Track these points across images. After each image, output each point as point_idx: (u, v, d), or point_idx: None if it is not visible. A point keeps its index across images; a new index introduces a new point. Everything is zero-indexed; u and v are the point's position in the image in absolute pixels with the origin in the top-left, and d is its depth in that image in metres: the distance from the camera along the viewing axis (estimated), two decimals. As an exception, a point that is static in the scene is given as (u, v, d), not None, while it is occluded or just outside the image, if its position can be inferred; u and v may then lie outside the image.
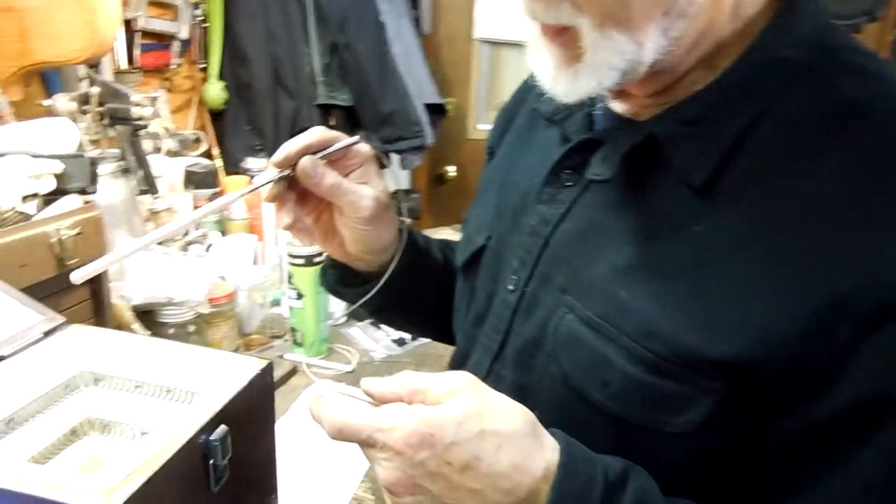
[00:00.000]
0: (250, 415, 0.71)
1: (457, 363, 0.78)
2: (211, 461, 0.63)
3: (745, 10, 0.54)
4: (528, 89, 0.78)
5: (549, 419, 0.53)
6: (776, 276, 0.49)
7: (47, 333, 0.78)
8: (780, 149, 0.52)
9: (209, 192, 1.73)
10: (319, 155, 0.67)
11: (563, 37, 0.54)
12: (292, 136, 2.07)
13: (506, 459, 0.49)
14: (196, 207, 1.70)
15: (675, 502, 0.53)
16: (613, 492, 0.50)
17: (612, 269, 0.57)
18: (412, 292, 0.81)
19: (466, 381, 0.52)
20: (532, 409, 0.53)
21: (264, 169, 1.84)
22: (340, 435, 0.51)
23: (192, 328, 1.33)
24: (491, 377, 0.67)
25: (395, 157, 2.59)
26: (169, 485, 0.58)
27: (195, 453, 0.61)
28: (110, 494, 0.52)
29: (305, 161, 0.66)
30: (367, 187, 0.70)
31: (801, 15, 0.55)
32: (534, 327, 0.62)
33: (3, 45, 1.30)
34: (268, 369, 0.72)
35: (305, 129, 2.13)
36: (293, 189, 0.69)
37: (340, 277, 0.82)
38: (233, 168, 2.02)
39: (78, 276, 0.49)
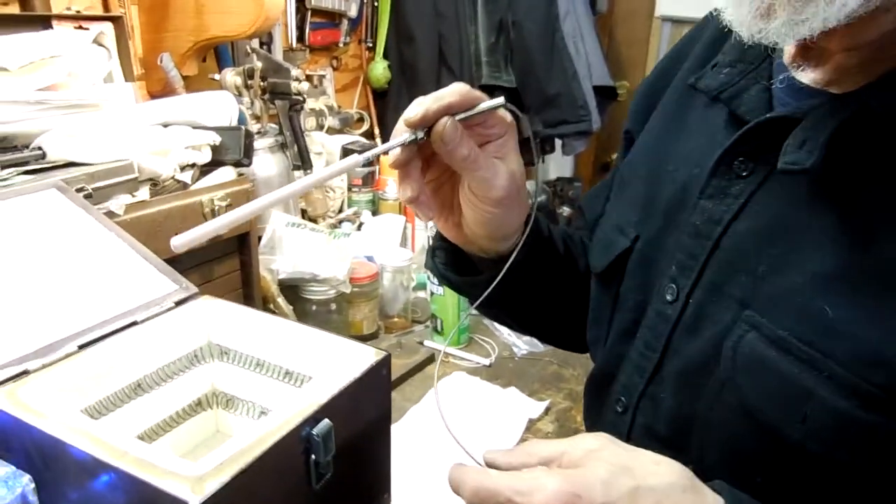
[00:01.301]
0: (361, 410, 0.66)
1: (599, 382, 0.68)
2: (312, 457, 0.59)
3: None
4: (678, 60, 0.67)
5: (723, 454, 0.49)
6: None
7: (179, 303, 0.78)
8: None
9: (365, 170, 1.73)
10: (459, 118, 0.54)
11: None
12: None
13: None
14: (351, 185, 1.71)
15: None
16: None
17: (810, 280, 0.47)
18: (528, 288, 0.70)
19: (604, 440, 0.48)
20: (698, 443, 0.48)
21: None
22: (476, 498, 0.47)
23: (333, 306, 1.33)
24: (646, 400, 0.59)
25: (557, 143, 2.49)
26: (264, 479, 0.54)
27: (295, 448, 0.57)
28: (200, 483, 0.50)
29: (446, 123, 0.52)
30: (503, 163, 0.58)
31: None
32: (702, 346, 0.54)
33: (183, 22, 1.37)
34: (383, 363, 0.66)
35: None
36: (420, 154, 0.56)
37: (450, 261, 0.71)
38: (392, 148, 2.02)
39: (179, 243, 0.45)
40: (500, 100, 0.56)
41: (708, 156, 0.56)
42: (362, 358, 0.66)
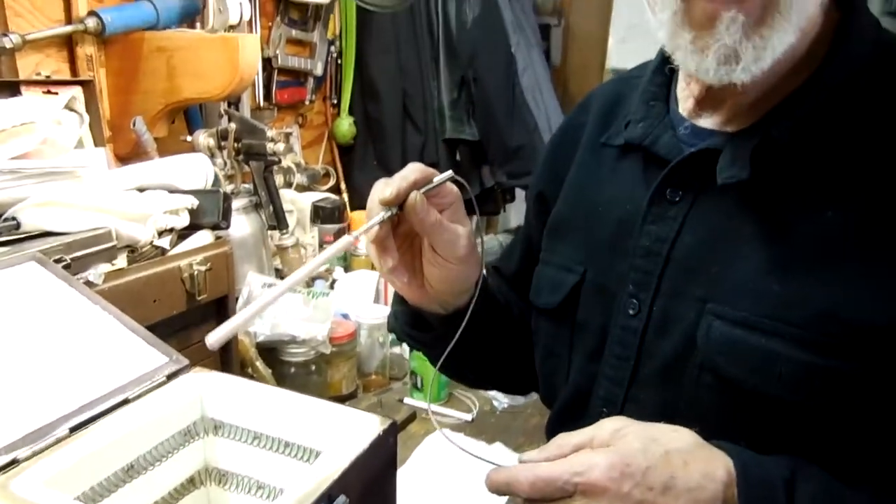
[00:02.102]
0: (371, 482, 0.64)
1: (575, 403, 0.74)
2: (329, 535, 0.57)
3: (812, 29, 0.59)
4: (577, 132, 0.78)
5: (708, 427, 0.55)
6: None
7: (170, 376, 0.76)
8: (887, 126, 0.56)
9: (335, 227, 1.73)
10: (422, 191, 0.64)
11: (748, 2, 0.53)
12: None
13: (695, 473, 0.52)
14: (322, 243, 1.71)
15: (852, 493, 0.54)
16: (795, 471, 0.53)
17: (755, 267, 0.58)
18: (483, 337, 0.79)
19: (623, 421, 0.56)
20: (684, 425, 0.55)
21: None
22: (534, 489, 0.53)
23: (313, 367, 1.31)
24: (629, 404, 0.66)
25: (518, 192, 2.54)
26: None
27: (311, 527, 0.55)
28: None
29: (416, 196, 0.63)
30: (460, 226, 0.68)
31: (860, 19, 0.60)
32: (674, 343, 0.62)
33: (154, 84, 1.36)
34: (390, 431, 0.65)
35: (431, 164, 2.10)
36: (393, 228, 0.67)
37: (410, 321, 0.79)
38: (359, 203, 2.03)
39: (213, 340, 0.48)
40: (450, 173, 0.66)
41: (637, 193, 0.67)
42: (367, 427, 0.65)
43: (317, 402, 0.71)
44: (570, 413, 0.75)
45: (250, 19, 1.68)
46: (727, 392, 0.59)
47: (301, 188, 1.87)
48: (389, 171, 2.14)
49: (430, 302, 0.74)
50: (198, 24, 1.47)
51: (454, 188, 0.68)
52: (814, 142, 0.58)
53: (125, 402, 0.71)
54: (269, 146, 1.30)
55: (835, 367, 0.54)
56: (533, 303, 0.79)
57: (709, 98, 0.64)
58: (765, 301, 0.57)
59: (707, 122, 0.66)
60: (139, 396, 0.72)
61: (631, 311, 0.66)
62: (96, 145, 1.25)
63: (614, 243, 0.69)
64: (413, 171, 0.64)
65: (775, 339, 0.56)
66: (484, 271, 0.76)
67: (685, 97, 0.68)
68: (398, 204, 0.63)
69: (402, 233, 0.68)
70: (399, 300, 0.79)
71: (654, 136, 0.68)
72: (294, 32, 1.84)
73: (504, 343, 0.83)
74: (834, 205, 0.57)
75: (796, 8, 0.53)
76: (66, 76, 1.31)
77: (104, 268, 0.95)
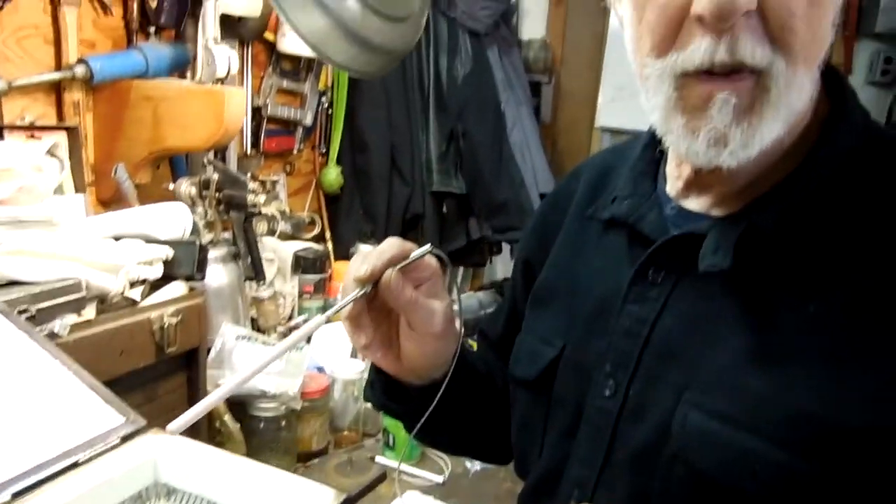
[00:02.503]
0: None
1: (547, 480, 0.71)
2: None
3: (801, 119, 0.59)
4: (566, 200, 0.78)
5: None
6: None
7: (125, 438, 0.74)
8: (874, 223, 0.56)
9: (316, 277, 1.72)
10: (398, 267, 0.63)
11: (741, 83, 0.53)
12: (404, 222, 2.03)
13: None
14: (302, 293, 1.70)
15: None
16: None
17: (734, 360, 0.56)
18: (460, 408, 0.77)
19: None
20: None
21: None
22: None
23: (283, 422, 1.29)
24: (601, 489, 0.64)
25: (505, 248, 2.55)
26: None
27: None
28: None
29: (391, 274, 0.62)
30: (437, 301, 0.67)
31: (852, 111, 0.60)
32: (649, 430, 0.60)
33: (139, 132, 1.37)
34: (345, 507, 0.64)
35: (417, 215, 2.09)
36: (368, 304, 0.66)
37: (387, 391, 0.77)
38: (343, 252, 2.02)
39: (175, 428, 0.47)
40: (428, 247, 0.65)
41: (619, 270, 0.66)
42: (320, 500, 0.64)
43: (273, 472, 0.69)
44: (542, 489, 0.72)
45: (241, 69, 1.71)
46: (700, 485, 0.57)
47: (285, 236, 1.87)
48: (375, 221, 2.13)
49: (407, 374, 0.73)
50: (188, 74, 1.49)
51: (433, 261, 0.67)
52: (799, 233, 0.57)
53: (75, 465, 0.69)
54: (250, 197, 1.31)
55: (813, 469, 0.52)
56: (510, 372, 0.78)
57: (697, 181, 0.64)
58: (743, 395, 0.55)
59: (694, 204, 0.65)
60: (90, 460, 0.70)
61: (607, 392, 0.64)
62: (77, 191, 1.25)
63: (594, 320, 0.68)
64: (390, 247, 0.64)
65: (752, 436, 0.54)
66: (462, 341, 0.74)
67: (674, 178, 0.67)
68: (373, 281, 0.62)
69: (378, 307, 0.67)
70: (376, 370, 0.78)
71: (639, 213, 0.67)
72: (285, 83, 1.86)
73: (483, 413, 0.82)
74: (817, 298, 0.55)
75: (784, 101, 0.54)
76: (53, 120, 1.32)
77: (70, 319, 0.94)
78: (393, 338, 0.70)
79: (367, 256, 0.63)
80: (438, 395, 0.70)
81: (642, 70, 0.57)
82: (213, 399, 0.53)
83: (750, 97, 0.53)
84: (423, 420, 0.70)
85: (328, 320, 0.63)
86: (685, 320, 0.61)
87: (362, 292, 0.62)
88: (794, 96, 0.54)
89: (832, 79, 0.61)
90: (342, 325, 0.68)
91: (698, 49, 0.52)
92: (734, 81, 0.53)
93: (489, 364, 0.84)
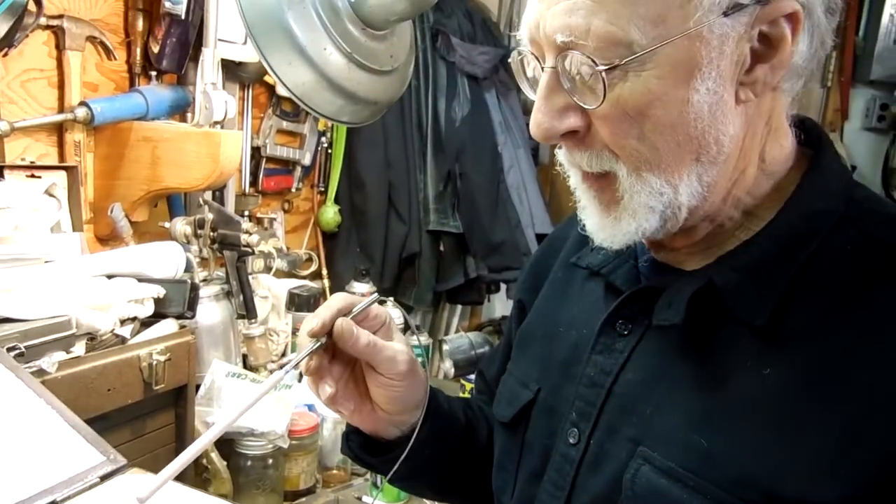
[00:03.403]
0: None
1: None
2: None
3: (773, 168, 0.60)
4: (560, 244, 0.80)
5: None
6: (854, 416, 0.51)
7: (104, 477, 0.75)
8: (834, 290, 0.55)
9: (311, 314, 1.73)
10: (350, 316, 0.66)
11: (603, 182, 0.59)
12: (400, 260, 2.04)
13: None
14: (295, 330, 1.71)
15: None
16: None
17: (687, 418, 0.57)
18: (438, 458, 0.79)
19: None
20: None
21: (367, 294, 1.83)
22: None
23: (270, 461, 1.29)
24: None
25: (502, 286, 2.55)
26: None
27: None
28: None
29: (342, 322, 0.65)
30: (396, 343, 0.70)
31: (826, 172, 0.61)
32: (604, 481, 0.61)
33: (137, 172, 1.40)
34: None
35: (414, 254, 2.10)
36: (327, 361, 0.68)
37: (364, 445, 0.79)
38: (340, 289, 2.04)
39: (145, 495, 0.50)
40: (375, 296, 0.70)
41: (592, 319, 0.67)
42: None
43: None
44: None
45: (242, 110, 1.75)
46: None
47: (281, 274, 1.89)
48: (372, 259, 2.15)
49: (385, 425, 0.75)
50: (189, 116, 1.53)
51: (383, 310, 0.70)
52: (758, 293, 0.57)
53: (53, 503, 0.70)
54: (244, 237, 1.33)
55: None
56: (493, 410, 0.79)
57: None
58: (692, 454, 0.55)
59: (667, 256, 0.66)
60: (68, 498, 0.71)
61: (571, 440, 0.65)
62: (75, 229, 1.28)
63: (567, 367, 0.69)
64: (336, 300, 0.67)
65: (698, 497, 0.54)
66: (434, 391, 0.77)
67: None
68: (326, 333, 0.65)
69: (341, 362, 0.70)
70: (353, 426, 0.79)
71: (613, 265, 0.69)
72: (285, 124, 1.90)
73: (463, 460, 0.82)
74: (773, 363, 0.55)
75: (638, 202, 0.57)
76: (54, 160, 1.35)
77: (59, 356, 0.96)
78: (362, 391, 0.72)
79: (316, 312, 0.67)
80: (412, 441, 0.72)
81: None
82: (184, 459, 0.57)
83: (608, 197, 0.59)
84: (396, 466, 0.72)
85: (286, 373, 0.65)
86: (645, 375, 0.61)
87: (318, 345, 0.65)
88: (648, 198, 0.56)
89: (816, 140, 0.62)
90: (307, 382, 0.70)
91: (568, 155, 0.60)
92: (597, 182, 0.59)
93: (474, 412, 0.85)
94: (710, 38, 0.52)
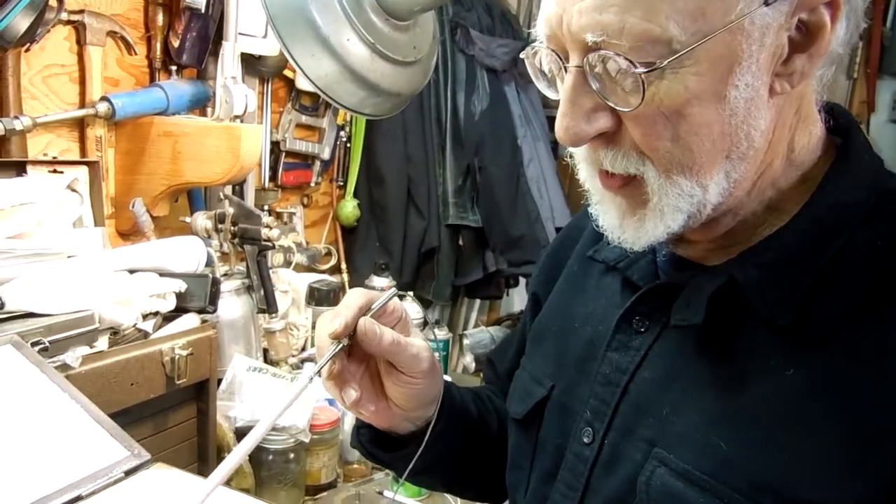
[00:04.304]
0: None
1: None
2: None
3: (801, 158, 0.58)
4: (577, 236, 0.78)
5: None
6: (879, 418, 0.49)
7: (129, 472, 0.75)
8: (860, 289, 0.53)
9: (330, 308, 1.73)
10: (370, 314, 0.64)
11: (629, 185, 0.56)
12: (419, 255, 2.02)
13: None
14: (315, 324, 1.71)
15: None
16: None
17: (704, 419, 0.55)
18: (452, 452, 0.77)
19: None
20: None
21: (385, 288, 1.83)
22: None
23: (291, 455, 1.29)
24: None
25: (521, 281, 2.54)
26: None
27: None
28: None
29: (365, 321, 0.62)
30: (418, 339, 0.68)
31: (855, 162, 0.58)
32: (619, 483, 0.59)
33: (157, 166, 1.40)
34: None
35: (433, 249, 2.08)
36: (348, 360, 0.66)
37: (375, 439, 0.76)
38: (358, 282, 2.04)
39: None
40: (393, 291, 0.67)
41: (609, 315, 0.65)
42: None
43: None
44: None
45: (261, 105, 1.75)
46: None
47: (301, 268, 1.89)
48: (391, 254, 2.14)
49: (399, 421, 0.73)
50: (209, 111, 1.52)
51: (399, 304, 0.68)
52: (782, 292, 0.55)
53: (78, 498, 0.70)
54: (264, 231, 1.33)
55: None
56: (507, 406, 0.77)
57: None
58: (709, 457, 0.54)
59: (686, 251, 0.64)
60: (92, 493, 0.71)
61: (585, 440, 0.63)
62: (96, 224, 1.28)
63: (581, 364, 0.67)
64: (355, 297, 0.64)
65: (715, 501, 0.52)
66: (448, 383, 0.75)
67: None
68: (348, 334, 0.62)
69: (357, 361, 0.67)
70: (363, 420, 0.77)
71: (630, 259, 0.66)
72: (304, 118, 1.89)
73: (475, 455, 0.81)
74: (798, 364, 0.53)
75: (666, 203, 0.55)
76: (76, 155, 1.35)
77: (82, 350, 0.96)
78: (378, 390, 0.70)
79: (336, 312, 0.63)
80: (426, 438, 0.70)
81: None
82: (227, 467, 0.57)
83: (633, 200, 0.56)
84: (411, 465, 0.70)
85: (311, 381, 0.63)
86: (662, 374, 0.59)
87: (340, 346, 0.62)
88: (677, 200, 0.54)
89: (845, 128, 0.60)
90: (326, 388, 0.66)
91: (589, 153, 0.57)
92: (621, 184, 0.56)
93: (485, 404, 0.84)
94: (751, 31, 0.49)
